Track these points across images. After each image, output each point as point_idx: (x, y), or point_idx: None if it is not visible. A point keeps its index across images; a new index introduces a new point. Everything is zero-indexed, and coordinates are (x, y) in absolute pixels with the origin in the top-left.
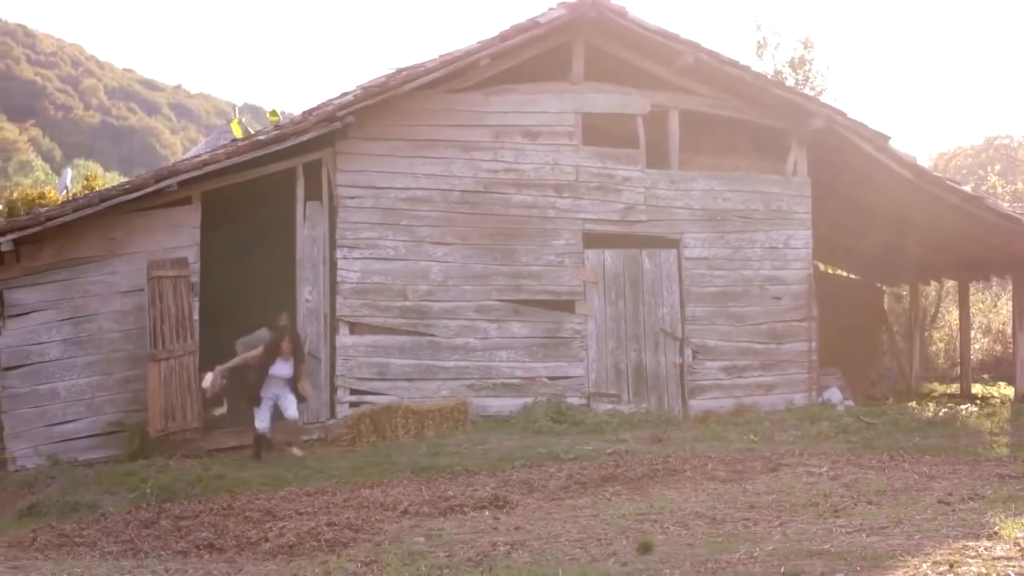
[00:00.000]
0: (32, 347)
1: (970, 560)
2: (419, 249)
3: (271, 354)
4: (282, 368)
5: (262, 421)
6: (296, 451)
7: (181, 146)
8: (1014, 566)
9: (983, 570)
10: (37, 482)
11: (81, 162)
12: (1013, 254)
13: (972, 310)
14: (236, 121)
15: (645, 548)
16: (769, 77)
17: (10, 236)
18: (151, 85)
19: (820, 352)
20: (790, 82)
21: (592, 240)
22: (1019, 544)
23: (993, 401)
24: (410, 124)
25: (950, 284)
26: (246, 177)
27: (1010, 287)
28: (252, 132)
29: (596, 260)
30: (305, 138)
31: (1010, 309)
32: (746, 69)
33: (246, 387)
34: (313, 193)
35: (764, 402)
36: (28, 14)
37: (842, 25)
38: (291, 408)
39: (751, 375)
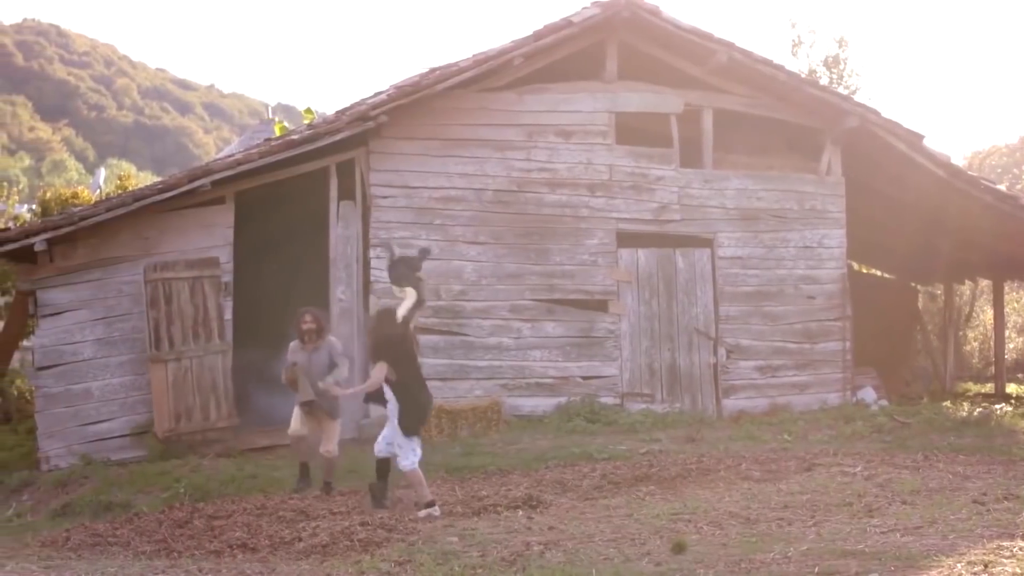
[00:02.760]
0: (65, 347)
1: (1005, 560)
2: (452, 248)
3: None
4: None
5: (380, 442)
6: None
7: (214, 146)
8: None
9: (1018, 570)
10: (70, 482)
11: (114, 162)
12: None
13: (1007, 309)
14: (280, 123)
15: (679, 548)
16: (803, 76)
17: (44, 236)
18: (184, 85)
19: (854, 352)
20: (824, 81)
21: (626, 239)
22: None
23: None
24: (443, 123)
25: (984, 283)
26: (280, 177)
27: None
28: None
29: (630, 259)
30: (338, 137)
31: None
32: (780, 68)
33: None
34: (346, 192)
35: (798, 402)
36: (61, 14)
37: (876, 23)
38: (403, 456)
39: (785, 375)
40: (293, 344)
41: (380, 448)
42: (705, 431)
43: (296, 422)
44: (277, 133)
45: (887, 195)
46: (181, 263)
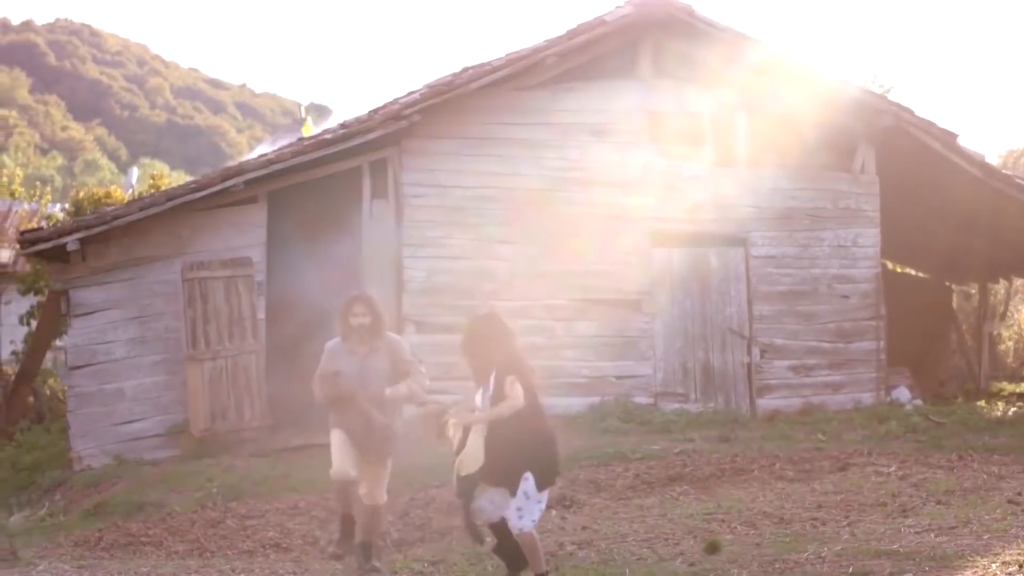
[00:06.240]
0: (98, 346)
1: None
2: (485, 248)
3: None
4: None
5: (484, 501)
6: None
7: (247, 145)
8: None
9: None
10: (103, 481)
11: (147, 161)
12: None
13: None
14: (307, 124)
15: (713, 548)
16: (838, 75)
17: (76, 236)
18: (216, 84)
19: (888, 351)
20: (858, 79)
21: (659, 238)
22: None
23: None
24: (476, 122)
25: (1019, 282)
26: (312, 176)
27: None
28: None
29: (663, 259)
30: (371, 136)
31: None
32: (814, 67)
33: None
34: (379, 191)
35: (832, 401)
36: (93, 14)
37: (910, 20)
38: (509, 510)
39: (819, 374)
40: (332, 345)
41: (485, 508)
42: (739, 431)
43: (342, 459)
44: (305, 132)
45: (921, 194)
46: (216, 262)
